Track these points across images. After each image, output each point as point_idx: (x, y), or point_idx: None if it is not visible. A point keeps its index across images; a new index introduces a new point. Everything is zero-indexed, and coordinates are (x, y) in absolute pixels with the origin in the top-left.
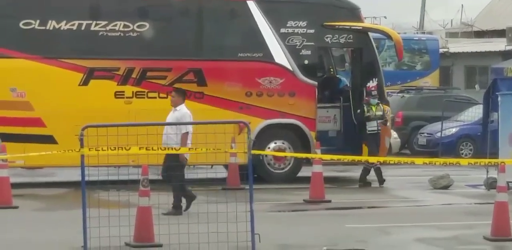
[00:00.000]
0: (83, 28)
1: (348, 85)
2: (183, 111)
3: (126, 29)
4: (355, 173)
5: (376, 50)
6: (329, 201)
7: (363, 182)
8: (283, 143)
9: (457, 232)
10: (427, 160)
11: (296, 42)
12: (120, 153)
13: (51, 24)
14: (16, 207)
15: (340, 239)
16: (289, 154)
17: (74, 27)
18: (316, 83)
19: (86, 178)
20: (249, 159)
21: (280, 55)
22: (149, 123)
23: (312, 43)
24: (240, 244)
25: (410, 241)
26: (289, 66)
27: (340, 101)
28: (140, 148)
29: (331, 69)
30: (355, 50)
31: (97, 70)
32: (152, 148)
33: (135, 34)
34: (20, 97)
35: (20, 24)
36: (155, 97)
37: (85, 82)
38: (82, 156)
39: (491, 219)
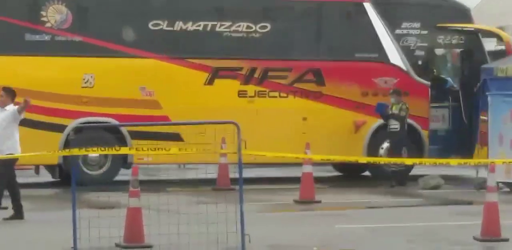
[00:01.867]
0: (208, 29)
1: (455, 86)
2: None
3: (249, 30)
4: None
5: (486, 51)
6: (319, 202)
7: (401, 183)
8: None
9: (447, 232)
10: (417, 160)
11: (410, 43)
12: (110, 153)
13: (179, 25)
14: (5, 208)
15: (330, 239)
16: (277, 153)
17: (200, 28)
18: (429, 83)
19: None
20: (240, 160)
21: (395, 56)
22: (140, 123)
23: (425, 44)
24: (230, 245)
25: (401, 242)
26: (403, 67)
27: (448, 101)
28: (130, 149)
29: (434, 70)
30: (465, 51)
31: (222, 70)
32: (142, 148)
33: (257, 35)
34: (148, 96)
35: (149, 25)
36: (276, 97)
37: (210, 82)
38: (73, 157)
39: (481, 219)
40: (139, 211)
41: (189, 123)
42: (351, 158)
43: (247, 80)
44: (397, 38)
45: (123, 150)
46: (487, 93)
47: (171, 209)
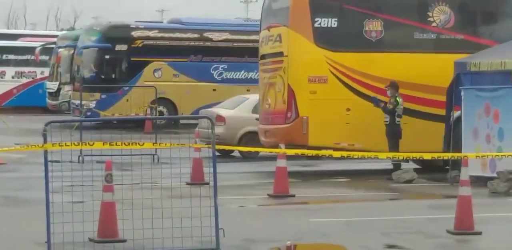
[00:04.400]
0: None
1: None
2: None
3: None
4: (319, 167)
5: None
6: (293, 196)
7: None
8: None
9: (421, 225)
10: (390, 154)
11: None
12: (84, 147)
13: None
14: None
15: (305, 233)
16: (251, 149)
17: None
18: None
19: (50, 173)
20: (214, 154)
21: None
22: (124, 118)
23: None
24: (204, 239)
25: (375, 235)
26: None
27: None
28: (103, 143)
29: None
30: None
31: None
32: (116, 143)
33: None
34: None
35: None
36: None
37: None
38: (46, 152)
39: (455, 213)
40: (113, 205)
41: (162, 118)
42: (325, 152)
43: None
44: None
45: (97, 145)
46: (460, 87)
47: (145, 204)
